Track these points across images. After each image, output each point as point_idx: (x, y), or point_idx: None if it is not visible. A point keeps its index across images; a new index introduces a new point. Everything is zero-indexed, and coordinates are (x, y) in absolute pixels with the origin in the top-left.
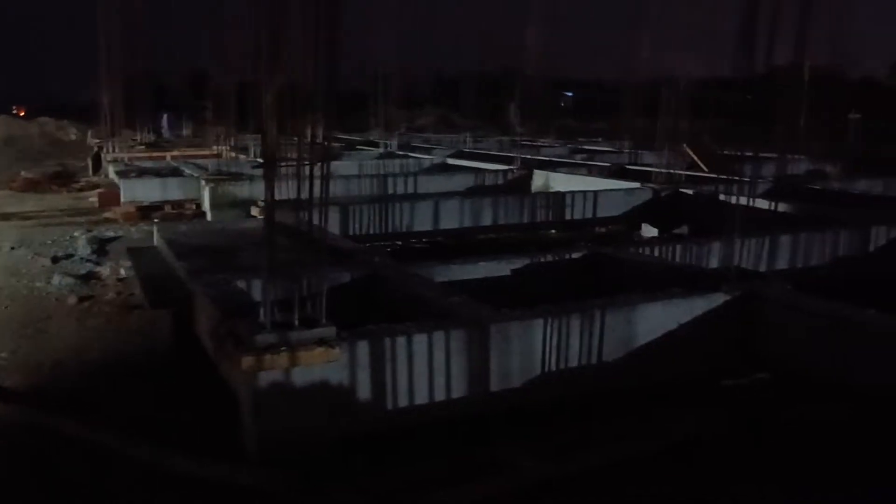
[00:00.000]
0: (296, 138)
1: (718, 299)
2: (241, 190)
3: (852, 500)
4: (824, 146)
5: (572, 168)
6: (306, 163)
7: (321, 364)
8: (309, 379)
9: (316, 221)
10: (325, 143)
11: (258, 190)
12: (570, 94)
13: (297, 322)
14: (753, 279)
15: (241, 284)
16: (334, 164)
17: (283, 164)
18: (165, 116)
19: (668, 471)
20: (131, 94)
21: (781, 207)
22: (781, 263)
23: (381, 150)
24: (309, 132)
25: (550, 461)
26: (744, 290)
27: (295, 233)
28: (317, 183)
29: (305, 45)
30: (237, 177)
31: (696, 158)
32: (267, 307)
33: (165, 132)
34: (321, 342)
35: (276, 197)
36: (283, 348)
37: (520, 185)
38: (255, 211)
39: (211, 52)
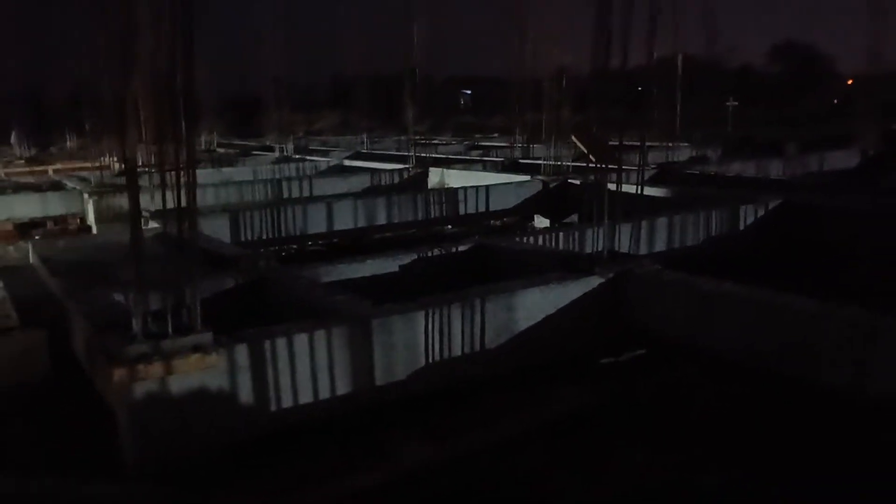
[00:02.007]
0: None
1: (593, 282)
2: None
3: (701, 454)
4: (706, 133)
5: (467, 164)
6: (171, 170)
7: (198, 371)
8: (186, 387)
9: (207, 230)
10: (188, 148)
11: (147, 201)
12: (468, 91)
13: (170, 331)
14: (625, 261)
15: (118, 298)
16: (228, 171)
17: (146, 171)
18: (14, 133)
19: (546, 444)
20: (8, 109)
21: (663, 192)
22: (660, 245)
23: (277, 154)
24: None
25: (433, 446)
26: (616, 272)
27: (177, 242)
28: (208, 190)
29: (159, 46)
30: (122, 188)
31: (583, 149)
32: (138, 318)
33: (15, 148)
34: (197, 349)
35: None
36: (156, 358)
37: (416, 184)
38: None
39: (90, 61)
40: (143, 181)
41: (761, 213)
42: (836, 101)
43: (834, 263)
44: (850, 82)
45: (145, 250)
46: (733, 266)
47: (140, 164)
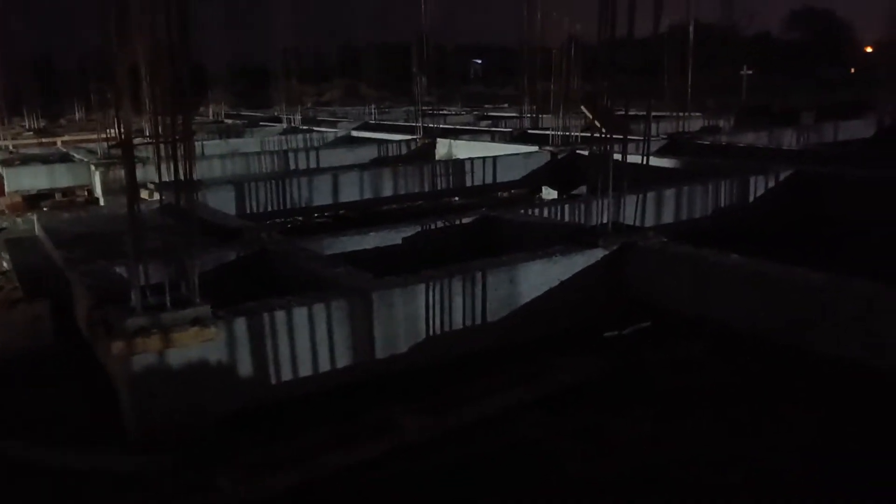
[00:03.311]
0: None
1: (597, 254)
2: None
3: (709, 427)
4: (719, 102)
5: (475, 135)
6: (166, 141)
7: (197, 344)
8: (186, 360)
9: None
10: (185, 117)
11: (153, 172)
12: (479, 61)
13: (169, 304)
14: (630, 233)
15: (119, 271)
16: (235, 142)
17: (142, 143)
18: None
19: (549, 416)
20: (18, 80)
21: (672, 163)
22: (667, 217)
23: (285, 125)
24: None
25: (434, 418)
26: (620, 244)
27: (178, 214)
28: (214, 161)
29: (153, 10)
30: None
31: (593, 119)
32: (137, 290)
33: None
34: (196, 322)
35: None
36: (154, 331)
37: (424, 155)
38: (145, 194)
39: (96, 29)
40: (150, 153)
41: (772, 184)
42: (853, 69)
43: (845, 236)
44: (868, 49)
45: (148, 222)
46: (742, 238)
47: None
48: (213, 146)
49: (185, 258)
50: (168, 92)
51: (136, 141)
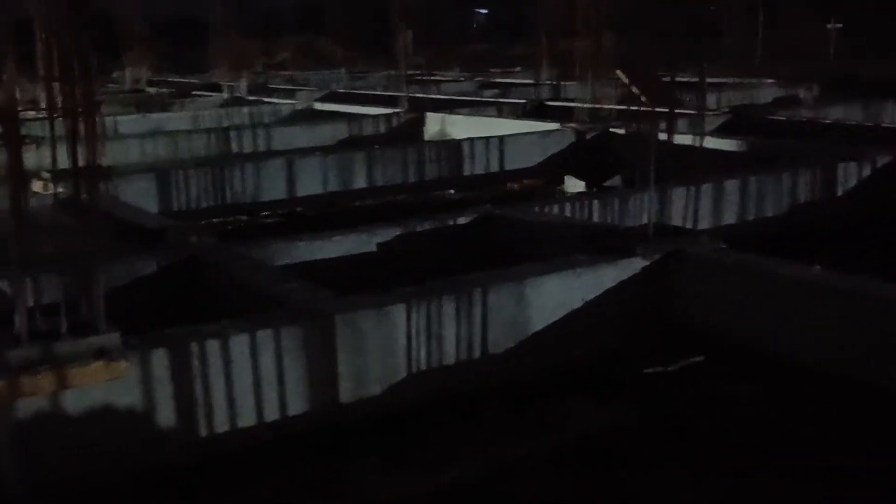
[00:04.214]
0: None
1: (634, 265)
2: (26, 158)
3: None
4: (799, 66)
5: (477, 108)
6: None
7: (103, 383)
8: (86, 403)
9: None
10: (88, 84)
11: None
12: (484, 11)
13: (65, 329)
14: (678, 238)
15: (0, 286)
16: (159, 117)
17: (30, 118)
18: None
19: (564, 472)
20: None
21: (736, 146)
22: (729, 216)
23: (225, 95)
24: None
25: (410, 479)
26: (665, 252)
27: (79, 212)
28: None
29: None
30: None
31: (632, 87)
32: (22, 313)
33: None
34: (101, 354)
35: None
36: (45, 366)
37: (409, 134)
38: (37, 186)
39: None
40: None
41: (867, 173)
42: None
43: None
44: None
45: (40, 222)
46: (826, 244)
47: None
48: (129, 123)
49: (87, 269)
50: (67, 51)
51: (26, 115)
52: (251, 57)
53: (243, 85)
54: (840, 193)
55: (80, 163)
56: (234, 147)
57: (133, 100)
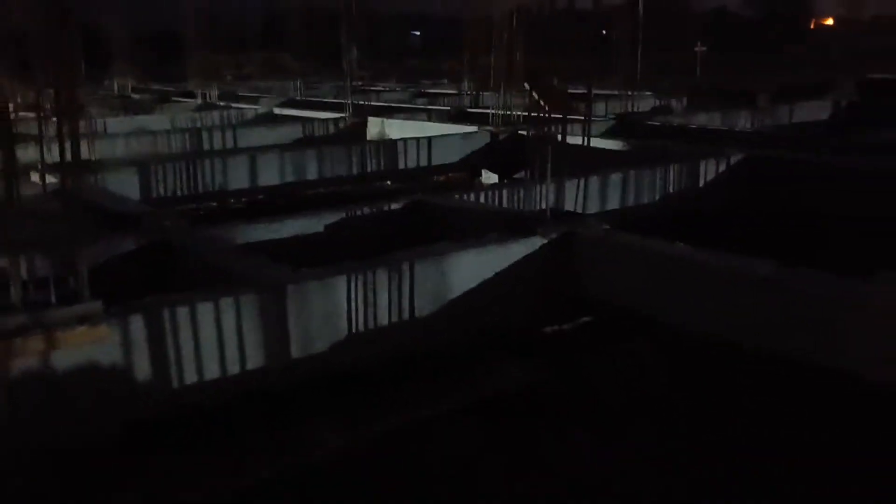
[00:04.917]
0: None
1: (535, 243)
2: (24, 153)
3: (654, 443)
4: (672, 81)
5: (411, 114)
6: (47, 116)
7: (87, 344)
8: (73, 362)
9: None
10: (73, 89)
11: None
12: (418, 32)
13: (53, 299)
14: (572, 221)
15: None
16: (141, 119)
17: (21, 118)
18: None
19: (480, 427)
20: None
21: (619, 145)
22: (613, 203)
23: (199, 101)
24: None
25: (351, 429)
26: (560, 233)
27: (65, 199)
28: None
29: None
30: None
31: (537, 97)
32: (16, 284)
33: None
34: (85, 319)
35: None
36: (36, 330)
37: (353, 135)
38: (34, 177)
39: None
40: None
41: (723, 168)
42: (809, 47)
43: (797, 222)
44: (827, 22)
45: (35, 209)
46: (692, 226)
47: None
48: (116, 123)
49: (72, 248)
50: (57, 59)
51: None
52: (221, 68)
53: (214, 92)
54: (702, 185)
55: (68, 158)
56: (206, 145)
57: (120, 104)
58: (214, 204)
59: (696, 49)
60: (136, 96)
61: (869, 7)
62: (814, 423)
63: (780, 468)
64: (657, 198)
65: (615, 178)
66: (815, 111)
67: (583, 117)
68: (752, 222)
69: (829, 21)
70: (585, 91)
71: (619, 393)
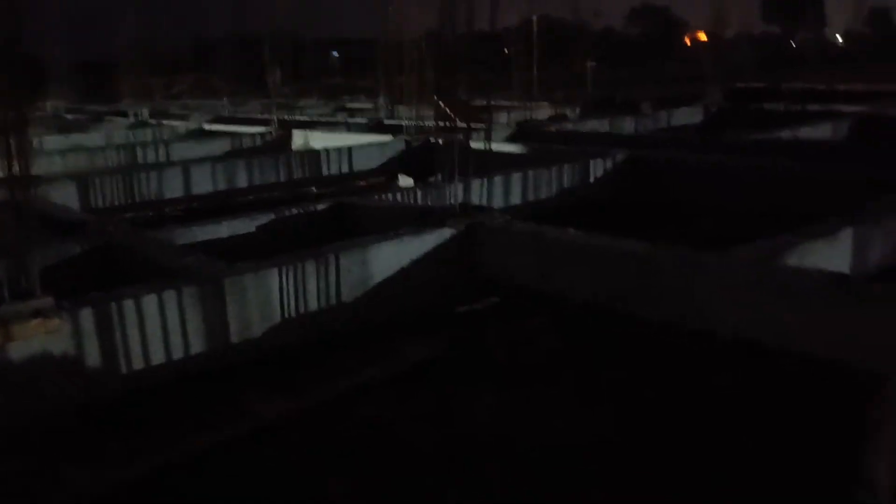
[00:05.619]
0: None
1: (445, 234)
2: None
3: (550, 395)
4: (566, 93)
5: (332, 126)
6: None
7: (41, 336)
8: (28, 353)
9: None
10: (18, 108)
11: None
12: (336, 53)
13: (7, 296)
14: (477, 214)
15: None
16: (77, 137)
17: None
18: None
19: (399, 393)
20: None
21: (520, 149)
22: (515, 199)
23: (132, 119)
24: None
25: (287, 400)
26: (468, 224)
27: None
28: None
29: None
30: None
31: (447, 109)
32: None
33: None
34: (38, 314)
35: None
36: None
37: (280, 146)
38: None
39: None
40: None
41: (609, 166)
42: (685, 62)
43: (671, 210)
44: (699, 34)
45: None
46: (582, 216)
47: None
48: (52, 141)
49: (23, 251)
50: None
51: None
52: (154, 89)
53: (146, 111)
54: (591, 181)
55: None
56: (141, 159)
57: (55, 123)
58: (150, 213)
59: (587, 64)
60: (69, 116)
61: (733, 26)
62: (676, 373)
63: (648, 406)
64: (553, 193)
65: (516, 176)
66: (688, 116)
67: (485, 126)
68: (633, 211)
69: (703, 37)
70: (495, 103)
71: (519, 358)
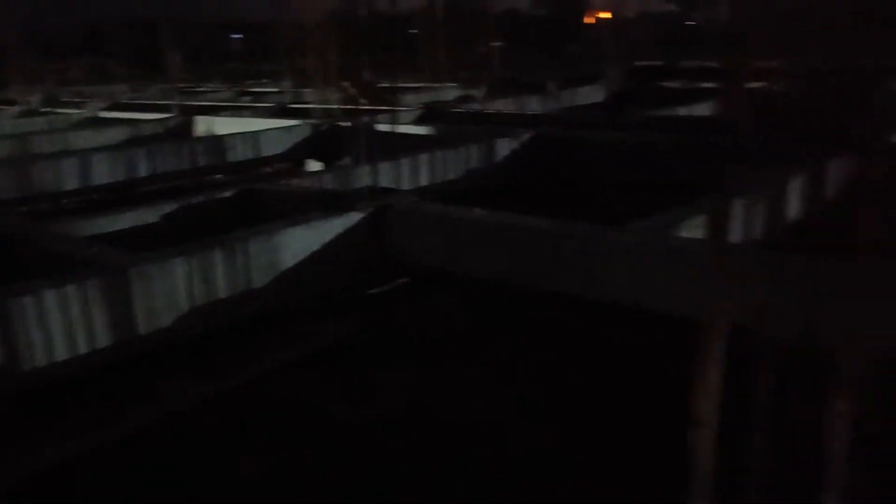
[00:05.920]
0: None
1: (354, 217)
2: None
3: (461, 369)
4: (473, 74)
5: (235, 111)
6: None
7: None
8: None
9: None
10: None
11: None
12: (239, 36)
13: None
14: (386, 196)
15: None
16: None
17: None
18: None
19: (316, 373)
20: None
21: (428, 130)
22: (423, 180)
23: (21, 107)
24: None
25: (202, 383)
26: (376, 206)
27: None
28: None
29: None
30: None
31: (354, 92)
32: None
33: None
34: None
35: None
36: None
37: (182, 133)
38: None
39: None
40: None
41: (515, 145)
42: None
43: (575, 187)
44: (602, 14)
45: None
46: (490, 195)
47: None
48: None
49: None
50: None
51: None
52: (44, 75)
53: (36, 98)
54: (498, 160)
55: None
56: (34, 149)
57: None
58: (45, 206)
59: (493, 45)
60: None
61: (632, 5)
62: (581, 343)
63: (557, 376)
64: (461, 173)
65: (423, 158)
66: (591, 94)
67: (393, 108)
68: (540, 189)
69: (608, 15)
70: (398, 85)
71: (429, 336)
